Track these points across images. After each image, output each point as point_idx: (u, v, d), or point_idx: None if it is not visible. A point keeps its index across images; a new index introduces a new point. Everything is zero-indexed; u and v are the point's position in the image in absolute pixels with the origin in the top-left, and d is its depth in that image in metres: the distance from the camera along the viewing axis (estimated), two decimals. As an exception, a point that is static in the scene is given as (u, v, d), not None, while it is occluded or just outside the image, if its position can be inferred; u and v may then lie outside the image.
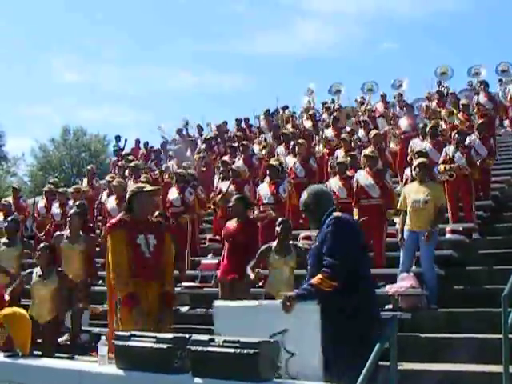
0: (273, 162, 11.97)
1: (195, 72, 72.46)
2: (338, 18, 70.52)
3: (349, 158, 11.80)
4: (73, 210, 10.73)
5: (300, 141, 13.77)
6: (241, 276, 8.97)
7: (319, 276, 4.89)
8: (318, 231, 5.20)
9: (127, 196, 6.66)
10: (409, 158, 12.60)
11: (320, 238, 5.10)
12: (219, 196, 12.12)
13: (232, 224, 9.52)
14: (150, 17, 69.48)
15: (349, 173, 11.23)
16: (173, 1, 69.25)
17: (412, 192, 9.42)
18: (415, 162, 9.93)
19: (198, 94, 70.53)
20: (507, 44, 58.49)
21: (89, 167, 17.75)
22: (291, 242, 8.80)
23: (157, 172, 16.36)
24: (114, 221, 6.62)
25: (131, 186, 10.42)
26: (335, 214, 5.15)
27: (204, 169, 15.96)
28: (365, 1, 70.68)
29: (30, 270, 9.39)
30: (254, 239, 9.58)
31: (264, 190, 11.36)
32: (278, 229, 8.63)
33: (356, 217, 9.96)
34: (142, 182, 13.32)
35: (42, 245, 9.43)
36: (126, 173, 15.69)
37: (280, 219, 8.95)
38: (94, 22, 66.43)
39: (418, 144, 12.94)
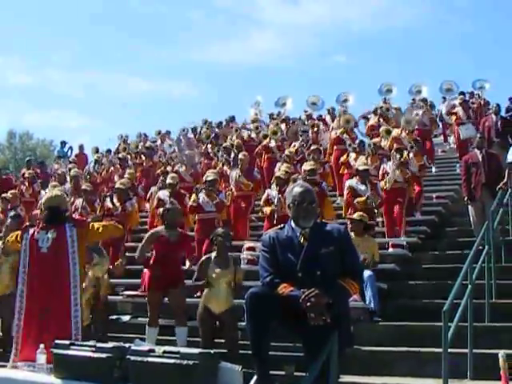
0: (212, 176, 12.10)
1: (147, 78, 72.38)
2: (292, 29, 71.10)
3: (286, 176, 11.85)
4: (8, 221, 10.54)
5: (241, 155, 13.86)
6: (174, 285, 8.84)
7: (351, 282, 4.86)
8: (313, 231, 4.95)
9: None
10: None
11: (331, 242, 4.89)
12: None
13: (165, 234, 9.15)
14: (100, 21, 69.06)
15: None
16: (125, 6, 68.82)
17: None
18: (353, 216, 9.93)
19: (150, 101, 70.36)
20: (454, 61, 59.68)
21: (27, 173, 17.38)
22: (230, 254, 8.72)
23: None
24: None
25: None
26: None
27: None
28: (319, 13, 71.37)
29: None
30: (186, 250, 9.64)
31: (204, 199, 11.77)
32: (216, 239, 8.56)
33: None
34: (84, 190, 13.30)
35: None
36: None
37: (220, 230, 8.87)
38: (44, 24, 65.70)
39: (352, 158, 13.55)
